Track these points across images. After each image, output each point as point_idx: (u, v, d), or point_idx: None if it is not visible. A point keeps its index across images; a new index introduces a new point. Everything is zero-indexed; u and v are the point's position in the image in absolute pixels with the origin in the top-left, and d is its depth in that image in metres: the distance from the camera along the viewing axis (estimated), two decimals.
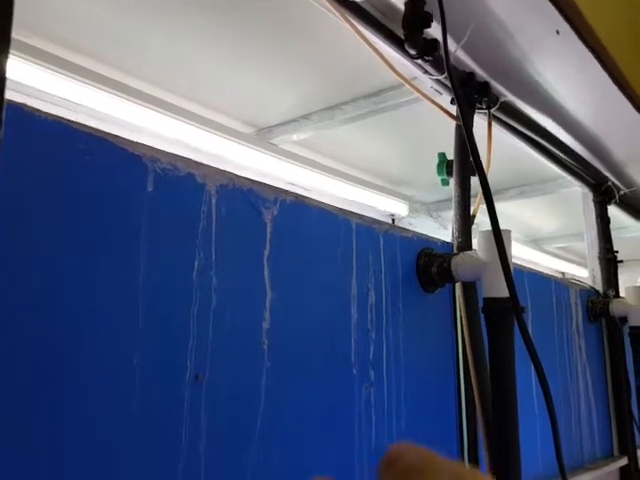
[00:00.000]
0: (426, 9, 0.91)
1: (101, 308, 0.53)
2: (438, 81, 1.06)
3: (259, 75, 1.34)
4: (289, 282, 0.72)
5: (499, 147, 1.21)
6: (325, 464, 0.73)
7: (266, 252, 0.69)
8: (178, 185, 0.62)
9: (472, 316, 0.97)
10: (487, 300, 0.89)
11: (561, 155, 1.50)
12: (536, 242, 2.93)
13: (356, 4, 0.90)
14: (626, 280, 1.88)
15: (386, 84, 1.32)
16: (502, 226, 0.84)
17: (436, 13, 0.89)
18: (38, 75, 1.18)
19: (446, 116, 1.11)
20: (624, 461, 1.57)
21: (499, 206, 0.86)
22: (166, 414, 0.57)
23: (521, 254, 2.72)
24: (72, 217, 0.52)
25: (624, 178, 1.77)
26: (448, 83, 1.02)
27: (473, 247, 1.04)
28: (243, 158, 1.55)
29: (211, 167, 0.65)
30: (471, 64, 1.11)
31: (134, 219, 0.57)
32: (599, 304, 1.60)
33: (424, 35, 0.94)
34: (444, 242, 1.04)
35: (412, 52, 0.95)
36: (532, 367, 0.81)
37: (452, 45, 1.00)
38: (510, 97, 1.23)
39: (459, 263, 0.93)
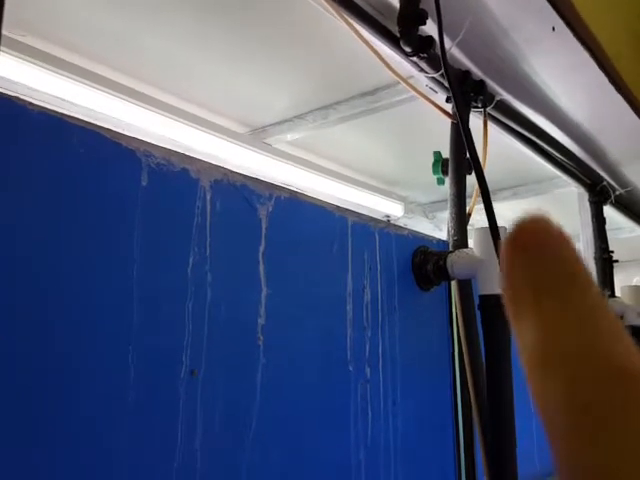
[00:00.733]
0: (421, 6, 0.91)
1: (95, 303, 0.53)
2: (434, 79, 1.06)
3: (253, 75, 1.33)
4: (284, 278, 0.71)
5: (494, 146, 1.21)
6: (321, 460, 0.72)
7: (261, 248, 0.69)
8: (172, 180, 0.61)
9: (468, 313, 0.97)
10: (483, 297, 0.88)
11: (556, 154, 1.50)
12: None
13: (351, 1, 0.90)
14: (622, 280, 1.89)
15: (381, 83, 1.31)
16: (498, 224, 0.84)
17: (431, 10, 0.89)
18: (33, 74, 1.18)
19: (441, 115, 1.10)
20: None
21: (494, 206, 0.85)
22: (161, 410, 0.56)
23: None
24: (66, 211, 0.52)
25: (619, 178, 1.78)
26: (444, 81, 1.03)
27: (469, 245, 1.03)
28: (237, 158, 1.54)
29: (205, 162, 0.65)
30: (466, 62, 1.11)
31: (128, 214, 0.57)
32: None
33: (419, 32, 0.94)
34: (440, 240, 1.03)
35: (407, 49, 0.95)
36: None
37: (447, 42, 1.00)
38: (505, 96, 1.23)
39: (455, 261, 0.92)
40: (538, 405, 0.17)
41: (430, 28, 0.93)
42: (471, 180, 0.98)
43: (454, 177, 1.08)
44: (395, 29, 0.94)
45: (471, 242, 0.97)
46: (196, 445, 0.58)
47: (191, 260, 0.61)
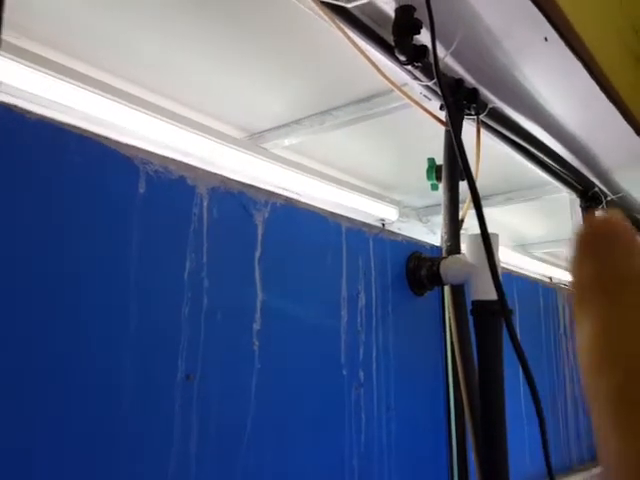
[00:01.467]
0: (416, 16, 0.92)
1: (92, 308, 0.53)
2: (427, 87, 1.07)
3: (251, 80, 1.34)
4: (280, 284, 0.72)
5: (487, 153, 1.22)
6: (315, 464, 0.73)
7: (257, 254, 0.70)
8: (170, 187, 0.62)
9: (461, 318, 0.98)
10: (475, 303, 0.90)
11: (549, 161, 1.52)
12: (524, 247, 2.95)
13: (347, 10, 0.91)
14: None
15: (376, 90, 1.33)
16: (490, 231, 0.85)
17: (426, 20, 0.91)
18: (28, 77, 1.18)
19: (435, 122, 1.12)
20: None
21: (487, 211, 0.87)
22: (157, 414, 0.57)
23: (509, 259, 2.74)
24: (64, 218, 0.53)
25: (611, 184, 1.80)
26: (437, 89, 1.04)
27: (462, 251, 1.05)
28: (235, 163, 1.55)
29: (202, 170, 0.66)
30: (460, 70, 1.12)
31: (126, 221, 0.58)
32: None
33: (414, 42, 0.95)
34: (433, 246, 1.05)
35: (402, 58, 0.96)
36: (520, 369, 0.82)
37: (441, 51, 1.01)
38: (498, 103, 1.25)
39: (448, 266, 0.94)
40: (590, 399, 0.17)
41: (425, 37, 0.95)
42: (465, 186, 1.00)
43: (447, 184, 1.09)
44: (390, 38, 0.95)
45: (464, 248, 0.98)
46: (191, 449, 0.59)
47: (188, 266, 0.62)
